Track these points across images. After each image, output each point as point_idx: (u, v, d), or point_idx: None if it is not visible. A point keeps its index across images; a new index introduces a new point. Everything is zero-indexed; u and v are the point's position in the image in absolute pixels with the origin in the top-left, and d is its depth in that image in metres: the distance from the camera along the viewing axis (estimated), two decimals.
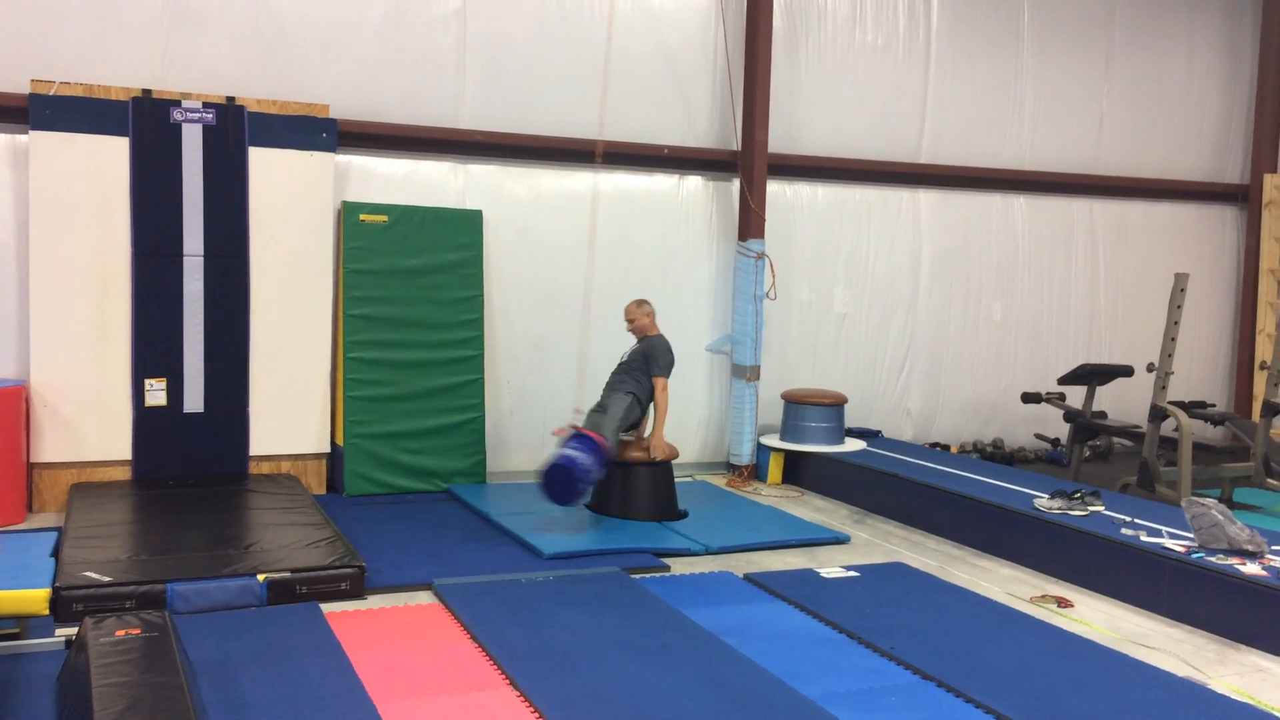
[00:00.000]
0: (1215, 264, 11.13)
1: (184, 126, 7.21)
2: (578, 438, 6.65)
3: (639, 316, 7.34)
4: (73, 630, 4.48)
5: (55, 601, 4.88)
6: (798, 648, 4.89)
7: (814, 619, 5.28)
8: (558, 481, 6.45)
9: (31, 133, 6.92)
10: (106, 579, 5.03)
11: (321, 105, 7.64)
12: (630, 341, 7.44)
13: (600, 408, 7.06)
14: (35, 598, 4.87)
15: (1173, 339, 7.85)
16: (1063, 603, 5.74)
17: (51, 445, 7.04)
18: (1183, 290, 7.81)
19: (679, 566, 6.21)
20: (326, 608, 5.19)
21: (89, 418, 7.12)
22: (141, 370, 7.18)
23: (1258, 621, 5.14)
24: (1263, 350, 10.61)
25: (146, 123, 7.13)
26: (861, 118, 9.46)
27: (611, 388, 7.20)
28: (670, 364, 7.22)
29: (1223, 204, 11.15)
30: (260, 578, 5.22)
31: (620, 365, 7.34)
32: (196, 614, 4.99)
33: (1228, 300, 11.22)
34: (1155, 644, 5.17)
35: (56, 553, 5.54)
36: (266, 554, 5.57)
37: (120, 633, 4.06)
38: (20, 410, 6.83)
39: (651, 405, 7.23)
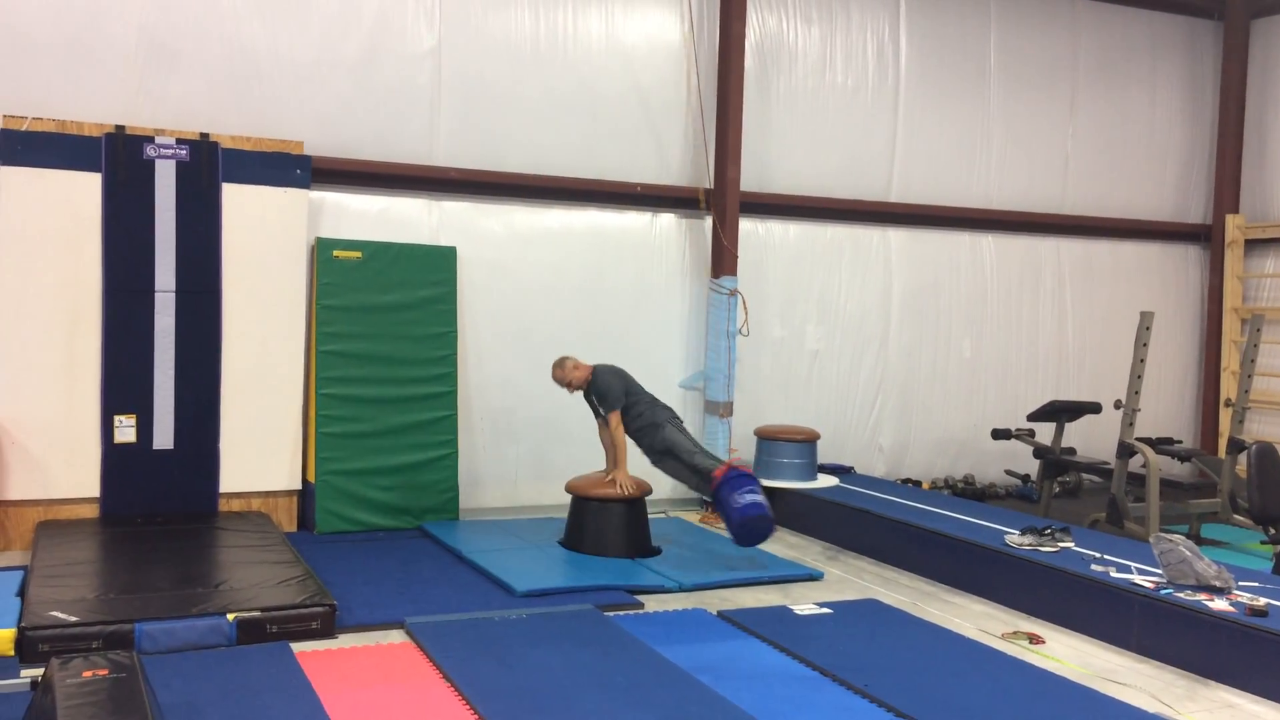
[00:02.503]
0: (1180, 302, 11.31)
1: (157, 162, 7.21)
2: (744, 479, 6.61)
3: (566, 374, 7.21)
4: (39, 671, 4.40)
5: (21, 642, 4.81)
6: (772, 685, 4.88)
7: (788, 656, 5.28)
8: (760, 530, 6.59)
9: (2, 168, 6.89)
10: (73, 619, 4.96)
11: (296, 142, 7.66)
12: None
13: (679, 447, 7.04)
14: (0, 638, 4.79)
15: (1139, 376, 7.95)
16: (1034, 639, 5.77)
17: (18, 482, 6.95)
18: (1148, 328, 7.92)
19: (652, 603, 6.19)
20: (297, 647, 5.14)
21: (57, 455, 7.04)
22: (111, 407, 7.12)
23: (1226, 657, 5.19)
24: (1228, 387, 10.76)
25: (119, 159, 7.11)
26: (832, 157, 9.58)
27: (657, 427, 7.11)
28: (616, 395, 7.12)
29: (1186, 243, 11.34)
30: (230, 617, 5.16)
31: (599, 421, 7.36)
32: (165, 654, 4.93)
33: (1193, 338, 11.39)
34: (1125, 680, 5.20)
35: (22, 592, 5.46)
36: (236, 593, 5.52)
37: (87, 674, 3.99)
38: None
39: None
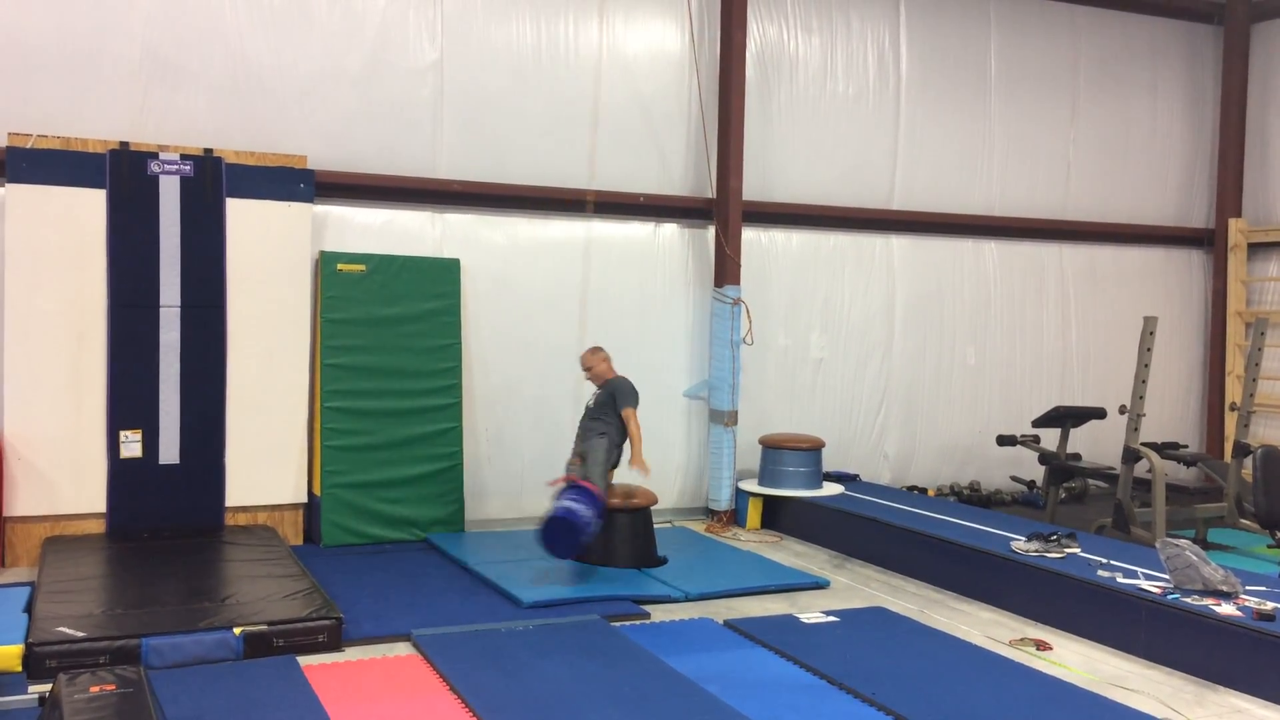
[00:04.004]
0: (1184, 307, 11.30)
1: (161, 178, 7.23)
2: (574, 488, 6.59)
3: (596, 363, 7.30)
4: (46, 687, 4.40)
5: (28, 658, 4.82)
6: (779, 695, 4.88)
7: (795, 665, 5.28)
8: (559, 533, 6.40)
9: (8, 185, 6.92)
10: (80, 634, 4.97)
11: (299, 156, 7.68)
12: (591, 389, 7.43)
13: (581, 456, 7.06)
14: (8, 654, 4.81)
15: (1143, 381, 7.94)
16: (1041, 645, 5.76)
17: (25, 498, 6.97)
18: (1152, 333, 7.92)
19: (659, 613, 6.19)
20: (304, 660, 5.15)
21: (63, 470, 7.06)
22: (117, 422, 7.14)
23: (1234, 662, 5.18)
24: (1233, 391, 10.74)
25: (124, 175, 7.14)
26: (834, 165, 9.60)
27: (585, 434, 7.20)
28: (636, 398, 7.20)
29: (1189, 248, 11.34)
30: (236, 631, 5.17)
31: (588, 411, 7.35)
32: (172, 669, 4.94)
33: (1197, 342, 11.37)
34: (1134, 686, 5.19)
35: (30, 608, 5.47)
36: (243, 607, 5.52)
37: (95, 689, 4.01)
38: None
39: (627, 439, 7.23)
